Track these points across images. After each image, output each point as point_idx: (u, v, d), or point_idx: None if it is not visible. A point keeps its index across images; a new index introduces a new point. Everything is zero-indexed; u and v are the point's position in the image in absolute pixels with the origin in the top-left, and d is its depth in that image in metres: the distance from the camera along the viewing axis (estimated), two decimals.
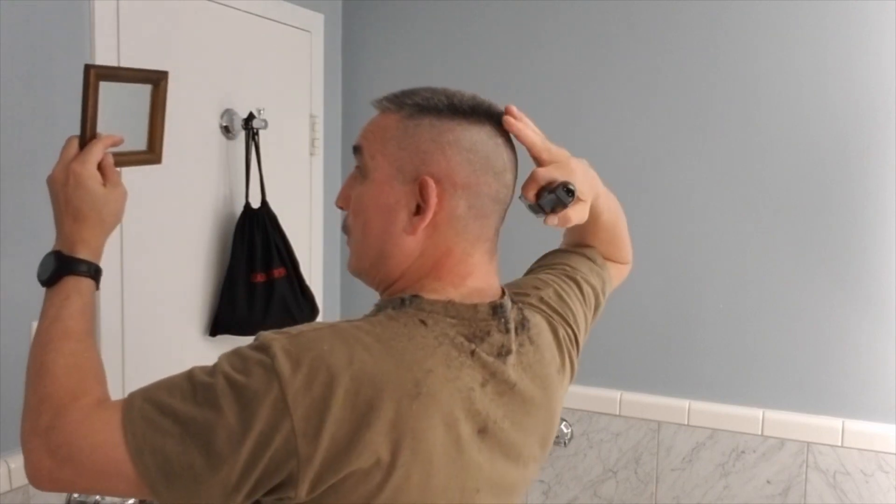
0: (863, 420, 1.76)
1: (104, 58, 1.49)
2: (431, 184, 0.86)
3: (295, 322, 1.85)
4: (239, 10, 1.84)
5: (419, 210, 0.87)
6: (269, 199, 1.86)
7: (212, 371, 0.79)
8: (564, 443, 1.99)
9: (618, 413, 1.97)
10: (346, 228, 0.95)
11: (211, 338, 1.80)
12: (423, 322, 0.84)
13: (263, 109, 1.87)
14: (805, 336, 1.81)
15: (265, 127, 1.86)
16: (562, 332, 1.01)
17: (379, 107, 0.92)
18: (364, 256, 0.92)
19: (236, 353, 0.80)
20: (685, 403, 1.90)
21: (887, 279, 1.73)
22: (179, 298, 1.73)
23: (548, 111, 2.00)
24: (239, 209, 1.84)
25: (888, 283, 1.73)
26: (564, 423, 2.00)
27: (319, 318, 1.99)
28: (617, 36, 1.96)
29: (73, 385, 0.84)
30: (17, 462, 1.35)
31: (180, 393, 0.78)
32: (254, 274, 1.80)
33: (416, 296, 0.87)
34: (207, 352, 1.79)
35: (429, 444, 0.80)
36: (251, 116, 1.83)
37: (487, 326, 0.87)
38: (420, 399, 0.79)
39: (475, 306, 0.88)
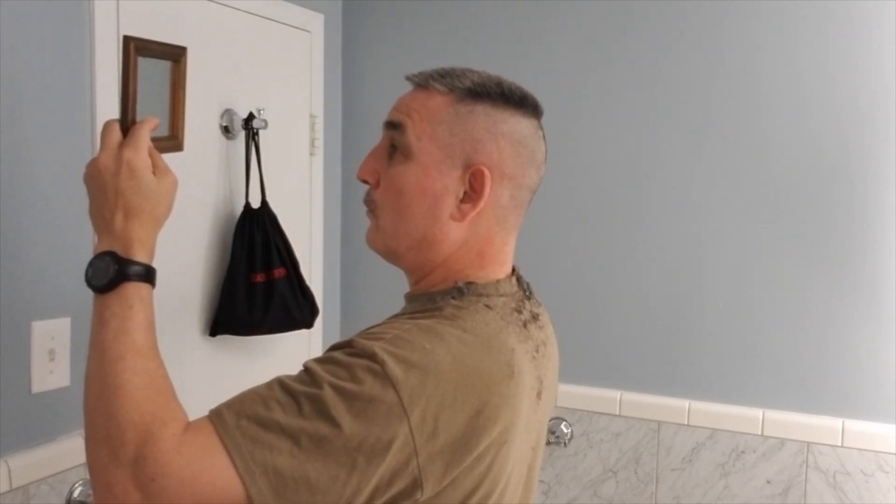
0: (863, 420, 1.76)
1: (104, 58, 1.49)
2: (488, 174, 0.87)
3: (295, 322, 1.86)
4: (239, 10, 1.84)
5: (465, 197, 0.88)
6: (269, 199, 1.86)
7: (311, 381, 0.76)
8: (564, 443, 1.99)
9: (618, 413, 1.96)
10: (371, 203, 0.93)
11: (211, 338, 1.80)
12: (487, 306, 0.87)
13: (263, 109, 1.87)
14: (805, 336, 1.81)
15: (265, 127, 1.86)
16: None
17: (424, 84, 0.91)
18: (401, 238, 0.91)
19: (333, 362, 0.77)
20: (685, 403, 1.90)
21: (888, 279, 1.73)
22: (179, 298, 1.73)
23: (549, 111, 1.99)
24: (239, 209, 1.84)
25: (888, 284, 1.73)
26: (564, 423, 2.00)
27: (319, 319, 1.98)
28: (618, 34, 1.96)
29: (158, 410, 0.77)
30: (16, 462, 1.35)
31: (279, 406, 0.74)
32: (254, 274, 1.80)
33: (470, 282, 0.89)
34: (207, 352, 1.79)
35: (520, 415, 0.84)
36: (251, 116, 1.83)
37: (520, 296, 0.92)
38: (514, 378, 0.82)
39: (510, 280, 0.93)
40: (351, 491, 0.74)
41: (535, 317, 0.93)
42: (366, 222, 0.95)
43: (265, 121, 1.85)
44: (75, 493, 1.43)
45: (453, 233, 0.89)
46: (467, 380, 0.78)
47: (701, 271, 1.90)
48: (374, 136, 0.96)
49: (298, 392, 0.75)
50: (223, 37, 1.80)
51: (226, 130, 1.82)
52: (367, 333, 0.82)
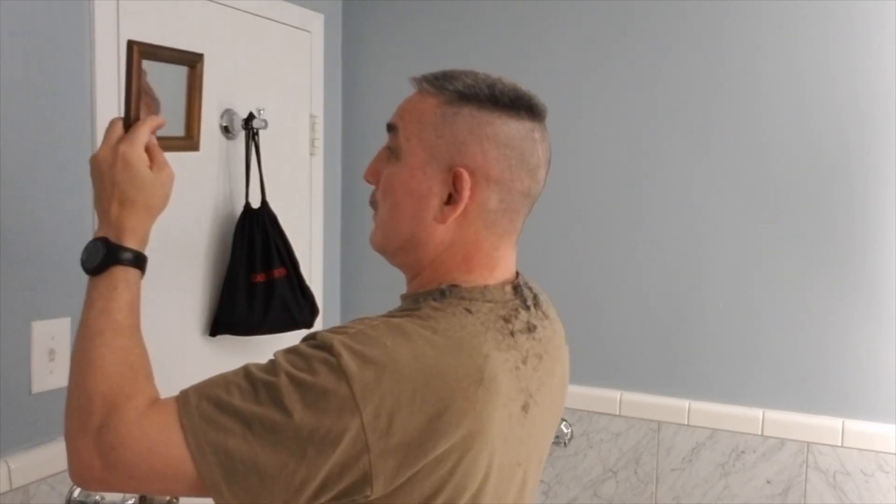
0: (863, 420, 1.76)
1: (104, 58, 1.49)
2: (466, 176, 0.87)
3: (295, 322, 1.86)
4: (239, 10, 1.84)
5: (450, 199, 0.88)
6: (269, 199, 1.86)
7: (272, 369, 0.78)
8: (564, 443, 1.99)
9: (618, 413, 1.96)
10: (373, 204, 0.95)
11: (211, 338, 1.80)
12: (467, 310, 0.86)
13: (263, 109, 1.87)
14: (805, 336, 1.81)
15: (265, 127, 1.86)
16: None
17: (418, 87, 0.92)
18: (392, 237, 0.92)
19: (295, 352, 0.80)
20: (685, 403, 1.90)
21: (887, 279, 1.73)
22: (179, 298, 1.73)
23: (549, 110, 2.00)
24: (239, 209, 1.84)
25: (888, 283, 1.73)
26: (564, 422, 2.00)
27: (319, 319, 1.99)
28: (618, 34, 1.96)
29: (126, 383, 0.82)
30: (16, 462, 1.35)
31: (239, 391, 0.77)
32: (254, 274, 1.80)
33: (454, 285, 0.88)
34: (207, 352, 1.79)
35: (492, 425, 0.82)
36: (251, 116, 1.83)
37: (514, 305, 0.90)
38: (484, 384, 0.81)
39: (503, 288, 0.91)
40: (300, 479, 0.75)
41: (530, 328, 0.90)
42: (367, 222, 0.97)
43: (265, 121, 1.85)
44: (75, 493, 1.43)
45: (438, 235, 0.89)
46: (428, 380, 0.77)
47: (701, 271, 1.90)
48: (374, 136, 0.97)
49: (258, 379, 0.77)
50: (223, 37, 1.80)
51: (226, 130, 1.82)
52: (337, 327, 0.83)
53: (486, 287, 0.89)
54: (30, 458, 1.37)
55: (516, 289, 0.92)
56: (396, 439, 0.76)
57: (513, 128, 0.89)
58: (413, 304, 0.89)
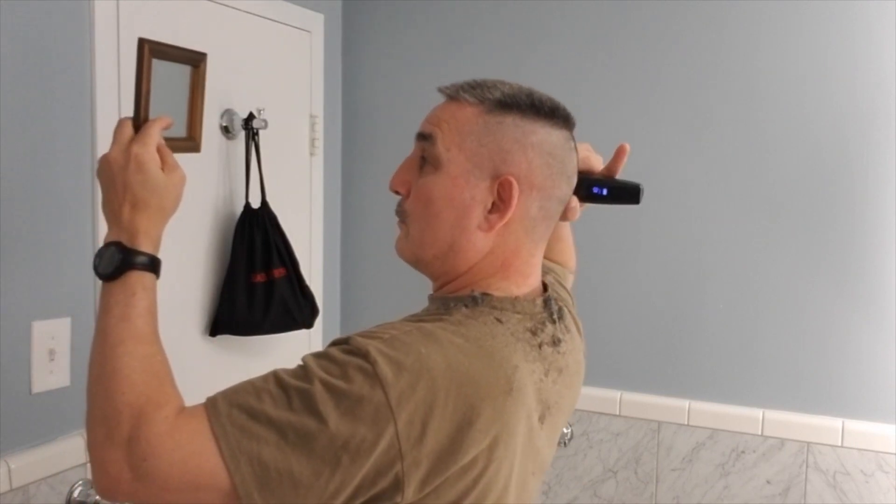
0: (863, 420, 1.76)
1: (104, 58, 1.49)
2: (516, 185, 0.87)
3: (295, 322, 1.86)
4: (239, 10, 1.84)
5: (493, 207, 0.88)
6: (269, 199, 1.86)
7: (304, 375, 0.77)
8: (564, 443, 1.99)
9: (618, 413, 1.97)
10: (402, 213, 0.94)
11: (211, 338, 1.80)
12: (498, 320, 0.86)
13: (263, 109, 1.87)
14: (805, 336, 1.81)
15: (265, 127, 1.86)
16: (576, 322, 1.05)
17: (455, 96, 0.91)
18: (429, 247, 0.91)
19: (328, 358, 0.78)
20: (685, 403, 1.90)
21: (887, 279, 1.73)
22: (179, 298, 1.73)
23: None
24: (239, 209, 1.84)
25: (888, 284, 1.73)
26: None
27: (319, 319, 1.99)
28: (618, 35, 1.96)
29: (153, 393, 0.80)
30: (17, 462, 1.35)
31: (271, 398, 0.76)
32: (254, 274, 1.80)
33: (486, 294, 0.88)
34: (207, 352, 1.79)
35: (516, 435, 0.83)
36: (251, 116, 1.83)
37: (542, 318, 0.91)
38: (512, 395, 0.81)
39: (533, 301, 0.91)
40: (334, 488, 0.74)
41: (555, 341, 0.91)
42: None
43: (265, 121, 1.85)
44: (75, 493, 1.43)
45: (479, 243, 0.89)
46: (460, 388, 0.77)
47: (701, 272, 1.90)
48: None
49: (290, 386, 0.76)
50: (223, 37, 1.80)
51: (226, 130, 1.82)
52: (369, 332, 0.82)
53: (516, 298, 0.89)
54: (30, 458, 1.37)
55: (546, 302, 0.92)
56: (429, 447, 0.76)
57: (554, 136, 0.90)
58: (443, 307, 0.88)
